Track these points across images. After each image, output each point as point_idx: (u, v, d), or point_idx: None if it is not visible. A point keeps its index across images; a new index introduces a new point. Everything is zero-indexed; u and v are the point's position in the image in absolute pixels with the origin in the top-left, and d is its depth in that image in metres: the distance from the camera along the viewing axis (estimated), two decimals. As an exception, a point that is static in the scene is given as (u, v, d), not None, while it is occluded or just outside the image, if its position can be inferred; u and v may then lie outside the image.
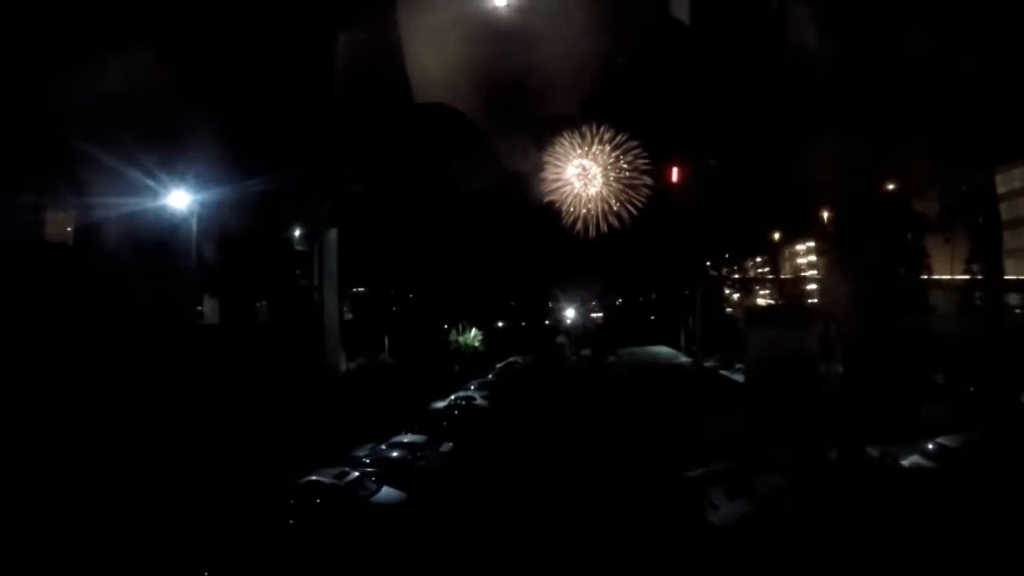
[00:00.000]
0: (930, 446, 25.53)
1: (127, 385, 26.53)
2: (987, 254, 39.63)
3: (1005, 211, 43.75)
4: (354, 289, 57.09)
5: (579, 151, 63.71)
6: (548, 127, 65.52)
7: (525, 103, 61.00)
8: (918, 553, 17.89)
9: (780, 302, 61.82)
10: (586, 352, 66.65)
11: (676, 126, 56.61)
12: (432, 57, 51.54)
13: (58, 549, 18.73)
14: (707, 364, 54.19)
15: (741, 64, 49.06)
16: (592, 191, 63.21)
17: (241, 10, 36.76)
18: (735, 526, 21.18)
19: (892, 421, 31.01)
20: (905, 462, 25.62)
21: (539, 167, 63.98)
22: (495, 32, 52.33)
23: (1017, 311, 41.97)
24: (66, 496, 20.90)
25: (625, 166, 62.78)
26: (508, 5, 51.75)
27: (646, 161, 61.62)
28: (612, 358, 62.35)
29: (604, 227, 63.12)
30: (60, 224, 28.20)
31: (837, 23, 41.17)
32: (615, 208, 62.77)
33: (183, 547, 19.38)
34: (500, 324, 72.02)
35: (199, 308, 37.10)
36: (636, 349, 59.87)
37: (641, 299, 72.56)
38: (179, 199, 30.43)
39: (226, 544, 19.93)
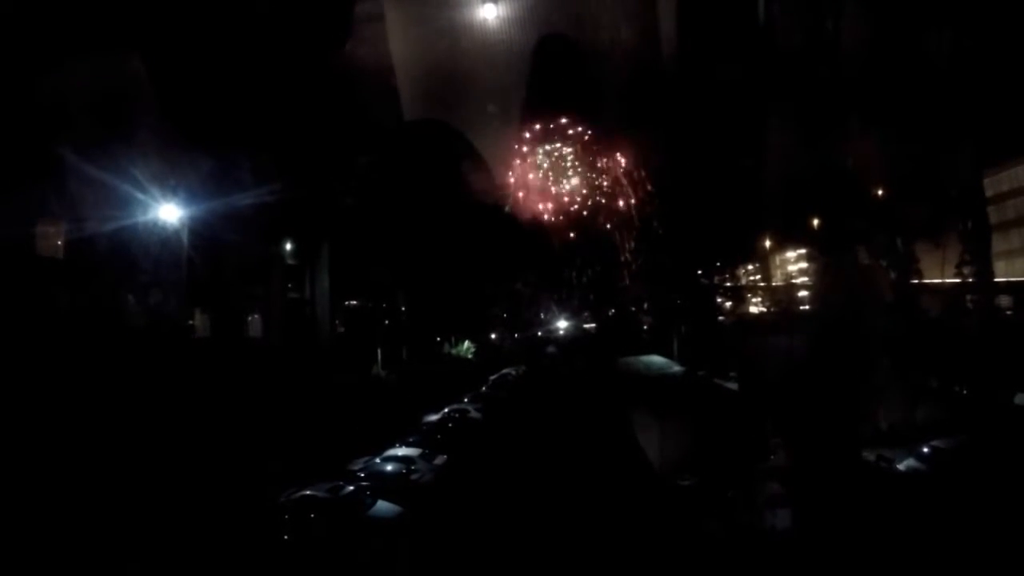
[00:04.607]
0: (925, 449, 25.59)
1: (118, 400, 26.33)
2: (977, 257, 39.83)
3: (994, 214, 44.12)
4: (346, 302, 56.95)
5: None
6: (538, 139, 66.07)
7: (516, 116, 61.33)
8: (915, 557, 17.87)
9: (772, 309, 61.93)
10: (579, 362, 66.57)
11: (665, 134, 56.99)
12: (423, 71, 51.66)
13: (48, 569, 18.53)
14: (700, 373, 54.12)
15: (729, 70, 49.36)
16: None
17: (233, 26, 36.79)
18: (730, 535, 21.12)
19: (886, 425, 31.14)
20: (900, 465, 25.66)
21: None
22: (485, 46, 52.54)
23: (1008, 313, 42.18)
24: (56, 509, 20.67)
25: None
26: (498, 18, 51.94)
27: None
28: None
29: None
30: (51, 238, 28.06)
31: (825, 26, 41.54)
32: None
33: (176, 564, 19.19)
34: (493, 336, 71.98)
35: (191, 322, 36.91)
36: (629, 359, 59.72)
37: (633, 308, 72.58)
38: (170, 213, 30.34)
39: (219, 561, 19.74)
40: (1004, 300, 42.90)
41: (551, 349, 70.21)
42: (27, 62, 25.59)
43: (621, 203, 66.53)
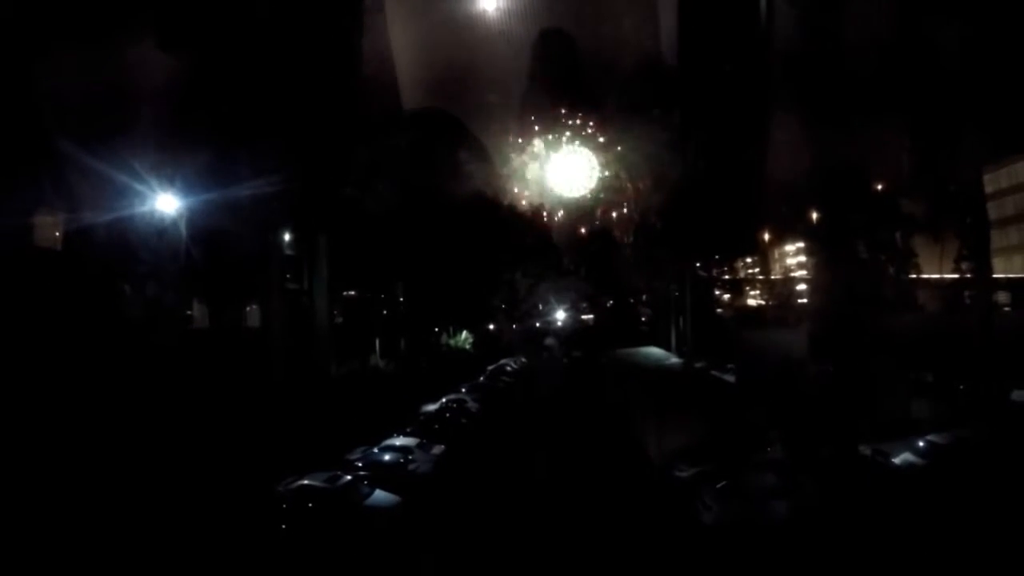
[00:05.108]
0: (921, 444, 25.65)
1: (116, 390, 26.35)
2: (976, 253, 39.84)
3: (993, 210, 44.15)
4: (344, 293, 56.92)
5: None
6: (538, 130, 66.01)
7: (516, 107, 61.28)
8: (910, 551, 17.95)
9: (771, 302, 62.02)
10: (577, 354, 66.72)
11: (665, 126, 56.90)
12: (423, 61, 51.54)
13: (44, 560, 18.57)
14: (698, 365, 54.14)
15: (729, 65, 49.29)
16: None
17: (230, 16, 36.61)
18: (727, 526, 21.20)
19: (883, 419, 31.20)
20: (896, 460, 25.73)
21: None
22: (486, 37, 52.40)
23: (1006, 309, 42.27)
24: (54, 500, 20.72)
25: None
26: (498, 10, 51.79)
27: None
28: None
29: None
30: (49, 229, 28.04)
31: (827, 22, 41.45)
32: None
33: (174, 553, 19.24)
34: (491, 327, 72.01)
35: (189, 312, 36.89)
36: (627, 350, 59.80)
37: (632, 300, 72.64)
38: (168, 203, 30.27)
39: (218, 550, 19.79)
40: (1002, 296, 43.01)
41: (549, 340, 70.28)
42: (25, 51, 25.49)
43: (620, 195, 66.51)
